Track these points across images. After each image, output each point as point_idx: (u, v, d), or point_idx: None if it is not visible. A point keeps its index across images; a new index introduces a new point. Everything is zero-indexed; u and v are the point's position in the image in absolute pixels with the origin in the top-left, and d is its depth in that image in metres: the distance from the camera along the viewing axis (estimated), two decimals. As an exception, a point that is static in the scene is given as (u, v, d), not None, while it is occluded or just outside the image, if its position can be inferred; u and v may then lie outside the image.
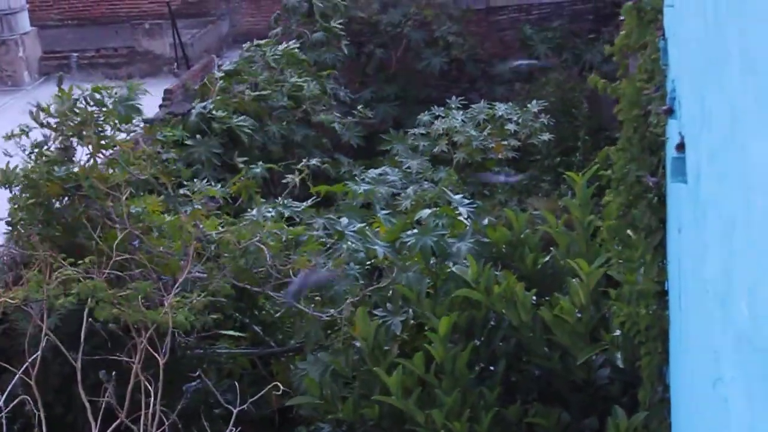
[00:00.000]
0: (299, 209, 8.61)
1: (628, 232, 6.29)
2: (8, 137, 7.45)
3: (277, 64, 13.58)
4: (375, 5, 17.34)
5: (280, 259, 7.54)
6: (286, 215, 8.47)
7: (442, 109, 13.79)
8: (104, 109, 7.41)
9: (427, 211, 8.54)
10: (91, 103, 7.35)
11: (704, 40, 3.85)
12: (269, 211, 8.35)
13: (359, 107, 14.59)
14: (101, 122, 7.41)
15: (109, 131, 7.47)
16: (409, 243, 7.97)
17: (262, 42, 13.97)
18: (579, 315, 7.02)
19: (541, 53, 16.98)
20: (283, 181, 10.10)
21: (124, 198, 7.31)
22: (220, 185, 8.80)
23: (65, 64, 17.36)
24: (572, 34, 17.36)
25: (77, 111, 7.27)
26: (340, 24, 16.14)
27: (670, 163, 5.09)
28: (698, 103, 4.14)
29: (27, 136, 7.44)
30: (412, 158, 12.60)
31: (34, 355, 6.55)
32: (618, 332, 6.80)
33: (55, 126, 7.37)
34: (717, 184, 3.35)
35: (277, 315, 8.27)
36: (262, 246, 7.38)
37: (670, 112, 5.22)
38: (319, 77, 14.28)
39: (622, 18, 7.18)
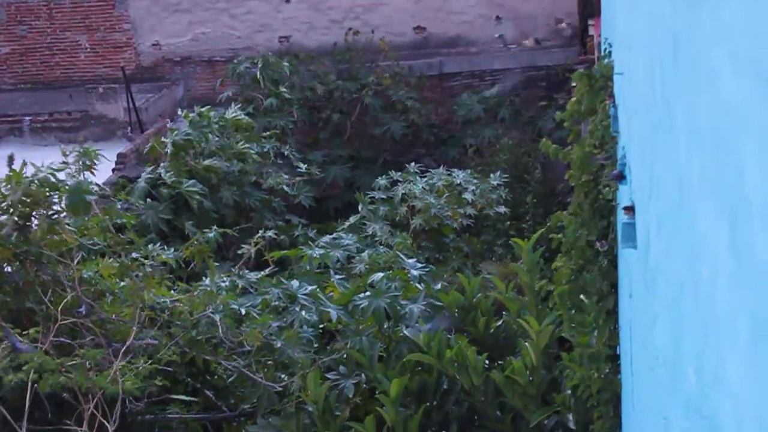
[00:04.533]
0: (254, 279, 8.57)
1: (581, 296, 6.34)
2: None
3: (225, 130, 13.60)
4: (332, 75, 17.52)
5: (232, 330, 7.49)
6: (240, 286, 8.42)
7: (401, 173, 13.85)
8: (57, 193, 7.30)
9: (381, 275, 8.56)
10: (45, 187, 7.22)
11: (652, 108, 3.92)
12: (223, 281, 8.30)
13: (307, 167, 14.60)
14: (53, 205, 7.31)
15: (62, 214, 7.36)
16: (362, 306, 7.97)
17: (211, 107, 13.98)
18: (530, 377, 7.03)
19: (491, 123, 17.19)
20: (239, 251, 10.09)
21: (75, 263, 7.23)
22: (172, 250, 8.72)
23: (18, 127, 17.27)
24: (525, 100, 17.59)
25: (30, 193, 7.14)
26: (286, 90, 16.31)
27: (620, 229, 5.14)
28: (647, 170, 4.21)
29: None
30: (373, 222, 12.62)
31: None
32: (569, 392, 6.82)
33: (6, 208, 7.24)
34: (665, 251, 3.39)
35: (230, 380, 8.19)
36: (215, 318, 7.32)
37: (621, 177, 5.29)
38: (266, 140, 14.32)
39: (573, 84, 7.30)
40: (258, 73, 16.51)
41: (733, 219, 2.00)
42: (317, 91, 16.97)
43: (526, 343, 7.11)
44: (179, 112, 14.32)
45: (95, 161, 7.58)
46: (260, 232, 10.27)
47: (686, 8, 2.74)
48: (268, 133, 14.70)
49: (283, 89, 16.31)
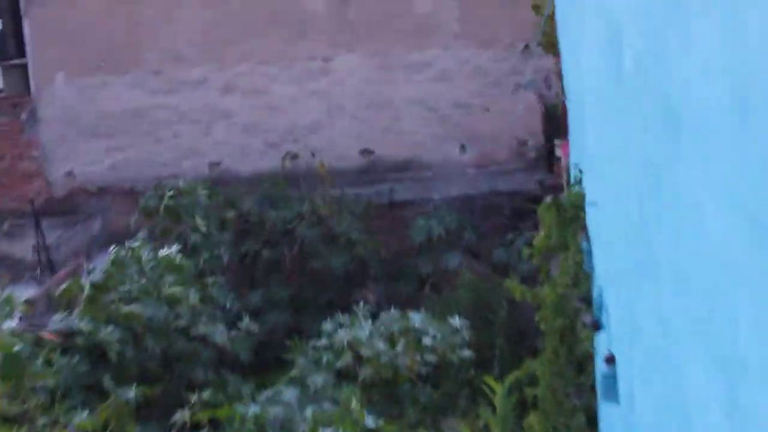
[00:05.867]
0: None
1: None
2: None
3: (153, 271, 13.50)
4: (248, 203, 17.38)
5: None
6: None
7: (347, 316, 13.76)
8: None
9: (329, 433, 8.43)
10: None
11: (630, 245, 3.93)
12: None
13: (246, 317, 14.44)
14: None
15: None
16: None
17: (135, 244, 13.90)
18: None
19: (450, 254, 17.21)
20: (170, 422, 9.94)
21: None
22: (86, 413, 8.55)
23: None
24: (487, 230, 17.68)
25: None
26: (212, 222, 16.20)
27: (600, 381, 5.12)
28: (627, 315, 4.20)
29: None
30: (316, 373, 12.48)
31: None
32: None
33: None
34: (652, 409, 3.36)
35: None
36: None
37: (597, 327, 5.29)
38: (201, 284, 14.19)
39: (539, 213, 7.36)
40: (177, 203, 16.40)
41: (728, 377, 1.98)
42: (232, 220, 16.82)
43: None
44: (96, 250, 14.24)
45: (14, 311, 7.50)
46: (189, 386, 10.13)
47: (665, 137, 2.78)
48: (210, 280, 14.58)
49: (202, 222, 16.15)
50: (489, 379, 7.94)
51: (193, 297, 13.76)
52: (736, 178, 1.88)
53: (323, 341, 13.15)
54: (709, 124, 2.15)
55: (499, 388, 7.66)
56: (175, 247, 14.87)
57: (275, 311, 16.61)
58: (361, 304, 14.10)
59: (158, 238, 15.23)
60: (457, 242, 17.41)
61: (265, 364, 15.51)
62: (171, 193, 16.52)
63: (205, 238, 16.06)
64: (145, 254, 13.67)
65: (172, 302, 13.40)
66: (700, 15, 2.26)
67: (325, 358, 12.77)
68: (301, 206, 17.38)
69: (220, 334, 13.72)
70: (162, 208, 16.46)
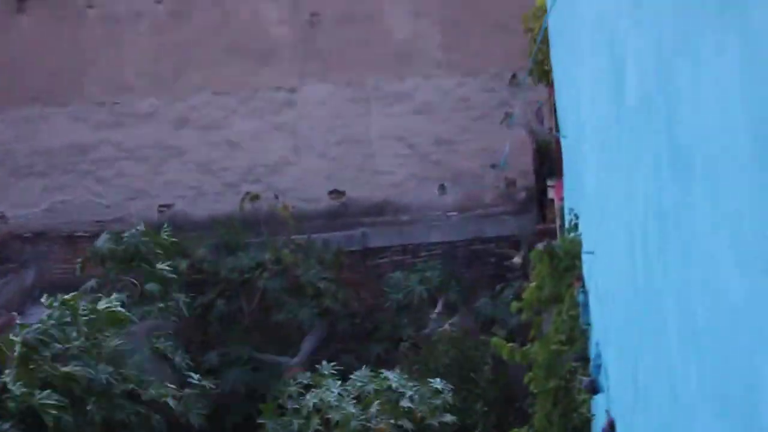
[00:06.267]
0: None
1: None
2: None
3: (93, 326, 13.41)
4: (202, 251, 17.32)
5: None
6: None
7: (310, 375, 13.72)
8: None
9: None
10: None
11: (633, 300, 3.94)
12: None
13: (200, 378, 14.31)
14: None
15: None
16: None
17: (78, 295, 13.83)
18: None
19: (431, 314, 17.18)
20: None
21: None
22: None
23: None
24: (471, 281, 17.68)
25: None
26: (169, 268, 16.08)
27: (599, 451, 5.11)
28: (629, 376, 4.20)
29: None
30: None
31: None
32: None
33: None
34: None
35: None
36: None
37: (594, 390, 5.30)
38: (149, 340, 14.10)
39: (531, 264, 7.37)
40: (130, 248, 16.33)
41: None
42: (182, 269, 16.72)
43: None
44: (30, 303, 14.15)
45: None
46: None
47: (674, 180, 2.79)
48: (160, 334, 14.48)
49: (165, 267, 16.06)
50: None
51: (139, 355, 13.67)
52: (754, 228, 1.89)
53: (291, 404, 13.09)
54: (724, 167, 2.17)
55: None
56: (116, 297, 14.79)
57: (234, 370, 16.53)
58: (324, 362, 14.08)
59: (106, 289, 15.15)
60: (439, 298, 17.35)
61: (222, 429, 15.38)
62: (129, 234, 16.48)
63: (163, 288, 15.97)
64: (84, 306, 13.52)
65: (116, 361, 13.27)
66: (715, 44, 2.27)
67: (294, 423, 12.72)
68: (262, 254, 17.32)
69: (169, 396, 13.57)
70: (119, 251, 16.38)
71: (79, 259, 17.27)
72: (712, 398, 2.35)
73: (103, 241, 16.71)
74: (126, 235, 16.66)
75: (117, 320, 13.78)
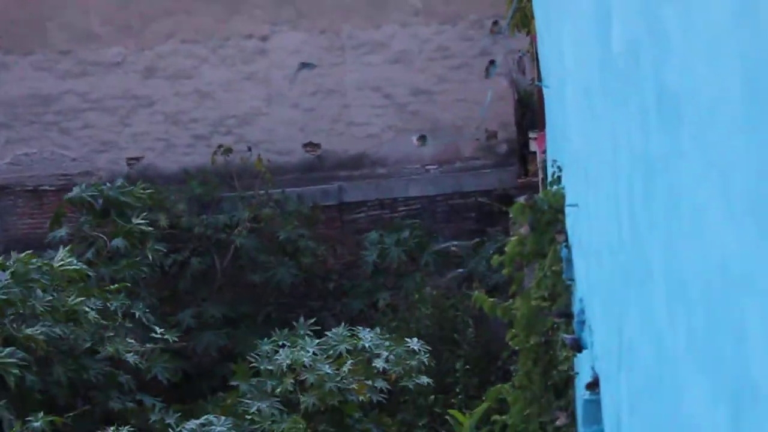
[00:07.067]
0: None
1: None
2: None
3: (55, 281, 13.34)
4: (181, 205, 17.27)
5: None
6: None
7: (287, 334, 13.74)
8: None
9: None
10: None
11: (619, 252, 3.95)
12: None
13: (164, 332, 14.19)
14: None
15: None
16: None
17: (36, 253, 13.75)
18: None
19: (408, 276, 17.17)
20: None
21: None
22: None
23: None
24: (450, 237, 17.69)
25: None
26: (145, 223, 16.00)
27: (580, 407, 5.15)
28: (615, 332, 4.23)
29: None
30: (259, 400, 12.47)
31: None
32: None
33: None
34: (645, 440, 3.39)
35: None
36: None
37: (578, 348, 5.32)
38: (111, 294, 13.94)
39: (511, 216, 7.39)
40: (105, 200, 16.27)
41: (733, 404, 1.99)
42: (161, 224, 16.66)
43: None
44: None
45: None
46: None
47: (662, 129, 2.79)
48: (114, 285, 14.39)
49: (139, 222, 15.97)
50: (454, 411, 7.96)
51: (108, 311, 13.60)
52: (745, 178, 1.90)
53: (266, 364, 13.10)
54: (713, 115, 2.17)
55: (464, 419, 7.67)
56: (88, 255, 14.72)
57: (207, 331, 16.51)
58: (302, 319, 14.11)
59: (76, 242, 15.12)
60: (422, 256, 17.33)
61: (199, 392, 15.41)
62: (106, 187, 16.43)
63: (131, 244, 15.90)
64: (37, 263, 13.38)
65: (75, 317, 13.19)
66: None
67: (269, 384, 12.75)
68: (237, 209, 17.27)
69: (131, 351, 13.48)
70: (99, 202, 16.31)
71: (52, 215, 17.17)
72: (701, 352, 2.37)
73: (84, 190, 16.59)
74: (103, 187, 16.59)
75: (75, 277, 13.69)
